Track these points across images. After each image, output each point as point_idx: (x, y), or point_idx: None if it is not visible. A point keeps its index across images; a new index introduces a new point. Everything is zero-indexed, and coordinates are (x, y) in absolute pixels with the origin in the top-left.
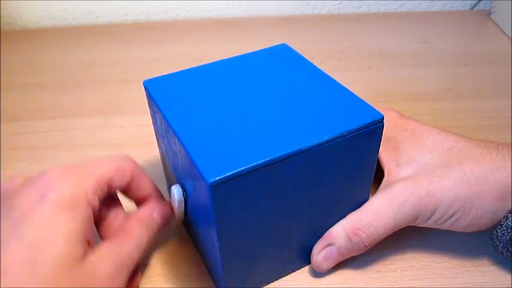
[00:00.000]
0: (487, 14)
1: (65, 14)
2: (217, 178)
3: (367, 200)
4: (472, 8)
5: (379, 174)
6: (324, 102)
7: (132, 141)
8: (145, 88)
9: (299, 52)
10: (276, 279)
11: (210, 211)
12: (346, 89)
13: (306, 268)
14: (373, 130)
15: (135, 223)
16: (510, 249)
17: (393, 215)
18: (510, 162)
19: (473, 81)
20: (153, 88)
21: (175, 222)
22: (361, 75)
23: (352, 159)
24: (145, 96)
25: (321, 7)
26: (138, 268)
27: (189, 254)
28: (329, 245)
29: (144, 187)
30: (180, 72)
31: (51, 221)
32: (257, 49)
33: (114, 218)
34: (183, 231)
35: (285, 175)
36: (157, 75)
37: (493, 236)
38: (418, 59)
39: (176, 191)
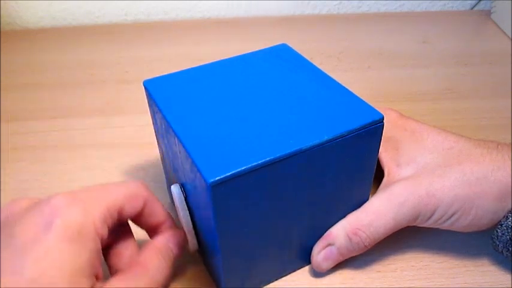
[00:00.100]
0: (487, 14)
1: (65, 14)
2: (217, 178)
3: (367, 200)
4: (472, 8)
5: (379, 174)
6: (324, 102)
7: (132, 141)
8: (145, 88)
9: (299, 52)
10: (276, 279)
11: (210, 211)
12: (346, 89)
13: (306, 268)
14: (373, 130)
15: (151, 254)
16: (510, 249)
17: (393, 215)
18: (510, 162)
19: (473, 81)
20: (153, 88)
21: (189, 251)
22: (361, 75)
23: (352, 159)
24: (145, 96)
25: (321, 7)
26: None
27: (189, 253)
28: (329, 245)
29: (156, 215)
30: (180, 72)
31: (55, 253)
32: (257, 49)
33: (124, 247)
34: None
35: (285, 175)
36: (157, 75)
37: (493, 236)
38: (418, 59)
39: (176, 191)
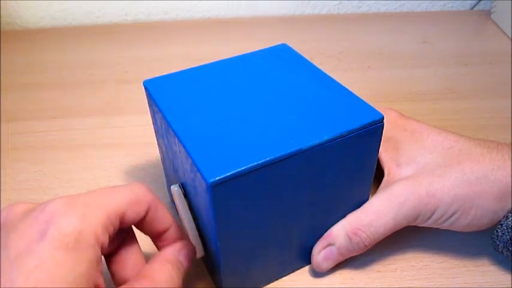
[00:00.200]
0: (487, 14)
1: (65, 14)
2: (217, 178)
3: (367, 200)
4: (472, 8)
5: (379, 174)
6: (324, 102)
7: (132, 141)
8: (145, 88)
9: (299, 52)
10: (276, 279)
11: (210, 211)
12: (346, 89)
13: (306, 268)
14: (373, 130)
15: (160, 267)
16: (510, 249)
17: (393, 215)
18: (510, 161)
19: (473, 81)
20: (153, 88)
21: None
22: (361, 75)
23: (352, 159)
24: (145, 96)
25: (321, 7)
26: None
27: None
28: (329, 245)
29: (161, 220)
30: (180, 72)
31: (48, 264)
32: (257, 49)
33: (128, 254)
34: None
35: (285, 175)
36: (157, 75)
37: (493, 236)
38: (418, 59)
39: (176, 191)
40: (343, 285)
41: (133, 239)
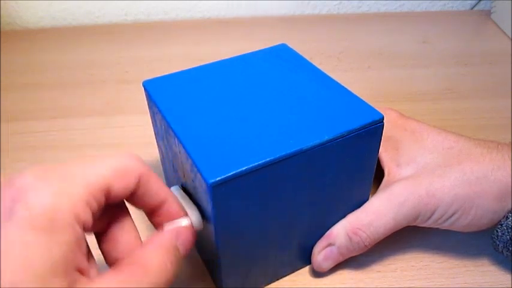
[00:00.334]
0: (487, 14)
1: (65, 14)
2: (217, 178)
3: (367, 200)
4: (472, 8)
5: (379, 174)
6: (324, 102)
7: (132, 141)
8: (144, 89)
9: (299, 52)
10: (276, 279)
11: (210, 211)
12: (346, 89)
13: (306, 268)
14: (373, 130)
15: (154, 252)
16: (510, 249)
17: (393, 215)
18: (510, 161)
19: (473, 81)
20: (153, 89)
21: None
22: (361, 75)
23: (352, 159)
24: (145, 97)
25: (321, 7)
26: None
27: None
28: (329, 244)
29: (155, 194)
30: (180, 72)
31: (18, 249)
32: (257, 49)
33: (120, 232)
34: None
35: (285, 175)
36: (158, 75)
37: (493, 236)
38: (418, 59)
39: (176, 191)
40: (343, 285)
41: (125, 215)
